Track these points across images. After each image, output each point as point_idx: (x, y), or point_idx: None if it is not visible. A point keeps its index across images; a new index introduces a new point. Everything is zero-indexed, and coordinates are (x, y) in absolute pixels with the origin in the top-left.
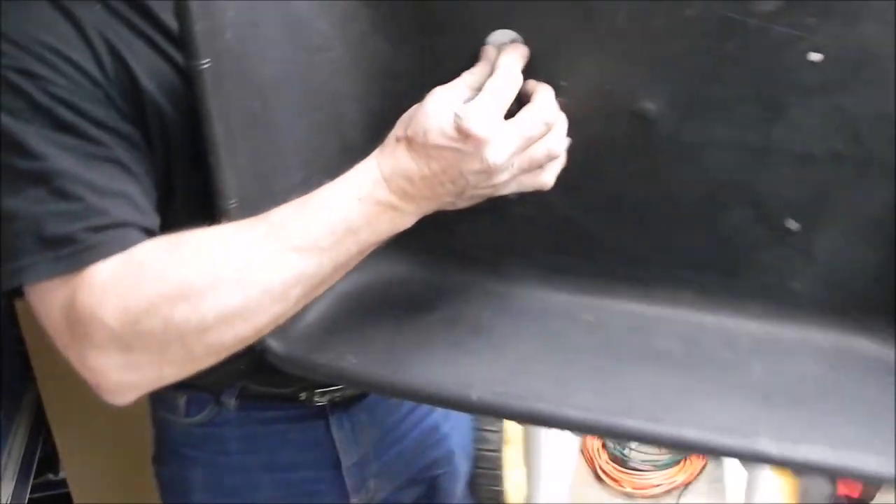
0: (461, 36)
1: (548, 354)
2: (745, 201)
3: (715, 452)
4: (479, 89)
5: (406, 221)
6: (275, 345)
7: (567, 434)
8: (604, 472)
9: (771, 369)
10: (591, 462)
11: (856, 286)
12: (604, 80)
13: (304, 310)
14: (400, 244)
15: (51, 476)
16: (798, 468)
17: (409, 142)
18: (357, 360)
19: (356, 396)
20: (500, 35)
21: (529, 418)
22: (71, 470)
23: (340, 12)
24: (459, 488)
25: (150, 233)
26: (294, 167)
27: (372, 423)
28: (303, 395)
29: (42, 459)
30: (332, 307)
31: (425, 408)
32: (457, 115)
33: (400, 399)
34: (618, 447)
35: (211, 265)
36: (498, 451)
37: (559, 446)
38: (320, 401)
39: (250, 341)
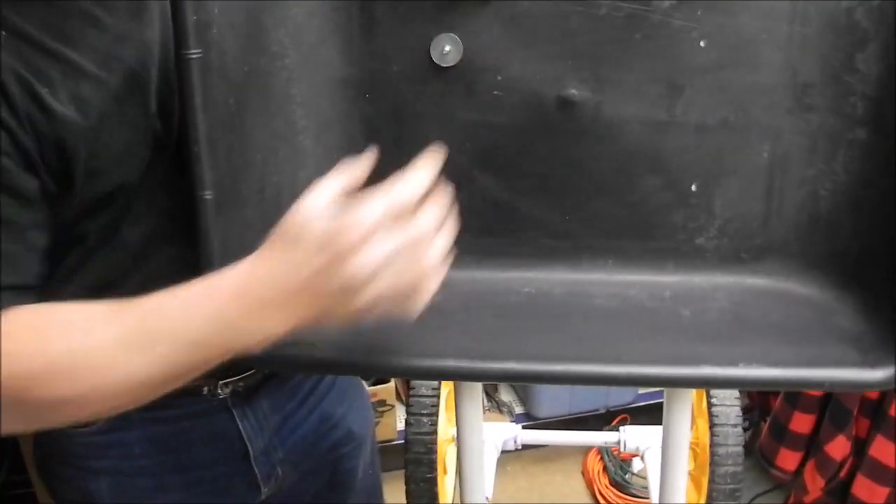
0: (404, 42)
1: (503, 323)
2: (655, 170)
3: (669, 384)
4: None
5: (265, 333)
6: None
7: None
8: (603, 496)
9: (695, 312)
10: (590, 485)
11: (747, 234)
12: (533, 72)
13: None
14: None
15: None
16: (739, 386)
17: (280, 249)
18: (327, 347)
19: (257, 385)
20: (443, 39)
21: (502, 376)
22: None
23: (294, 23)
24: (362, 465)
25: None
26: (255, 170)
27: (273, 410)
28: (205, 389)
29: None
30: None
31: (320, 393)
32: (326, 224)
33: (375, 376)
34: (618, 472)
35: (53, 352)
36: (433, 433)
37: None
38: (222, 392)
39: (100, 416)
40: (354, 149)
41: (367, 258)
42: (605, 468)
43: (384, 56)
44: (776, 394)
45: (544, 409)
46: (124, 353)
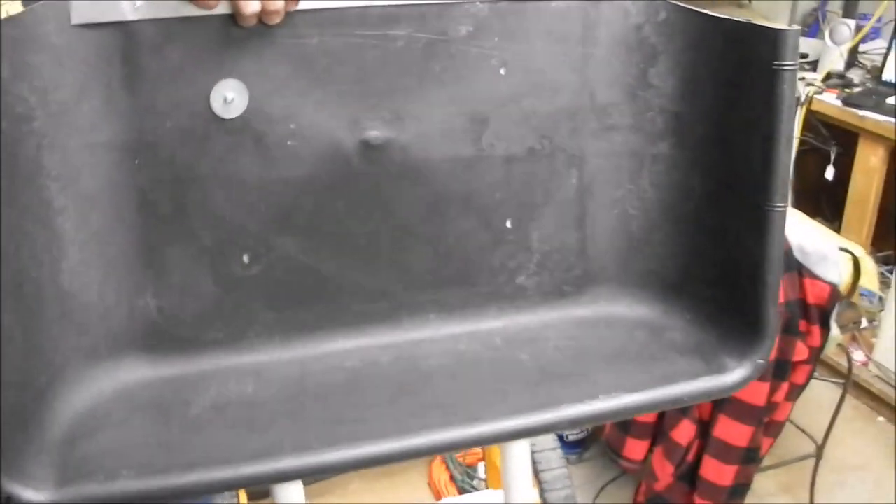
0: (178, 93)
1: (334, 405)
2: (467, 211)
3: (536, 432)
4: None
5: None
6: (28, 495)
7: None
8: None
9: (533, 354)
10: (438, 496)
11: (566, 266)
12: (330, 117)
13: (38, 447)
14: (129, 348)
15: None
16: (606, 419)
17: None
18: (134, 472)
19: None
20: (224, 86)
21: (356, 464)
22: None
23: (39, 76)
24: None
25: None
26: (8, 263)
27: None
28: None
29: None
30: (73, 431)
31: None
32: None
33: (201, 495)
34: (466, 480)
35: None
36: None
37: None
38: None
39: None
40: (126, 228)
41: None
42: (451, 477)
43: (155, 111)
44: None
45: None
46: None
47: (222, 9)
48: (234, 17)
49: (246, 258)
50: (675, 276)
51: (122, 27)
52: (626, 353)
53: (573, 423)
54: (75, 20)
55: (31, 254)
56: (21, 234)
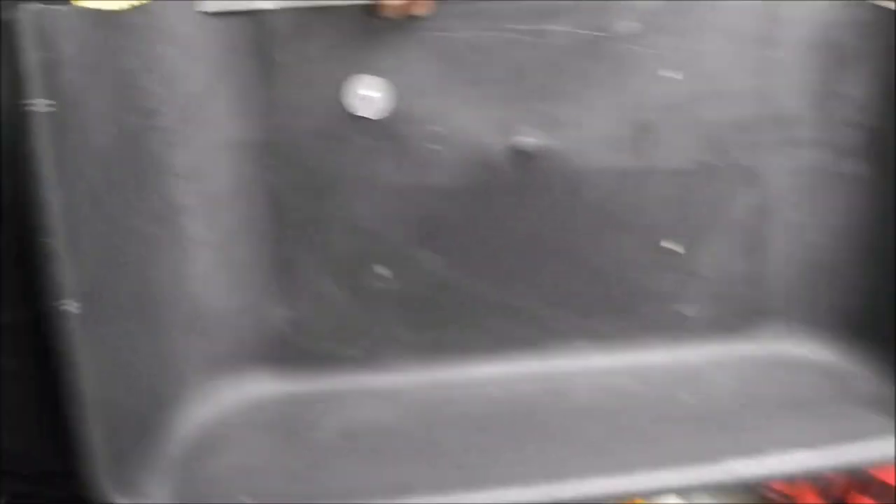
0: (315, 90)
1: (473, 439)
2: (626, 229)
3: (695, 488)
4: None
5: None
6: None
7: None
8: None
9: (696, 394)
10: None
11: (737, 295)
12: (478, 119)
13: (155, 461)
14: (260, 361)
15: None
16: (776, 478)
17: None
18: (254, 500)
19: None
20: (363, 83)
21: None
22: None
23: (168, 68)
24: None
25: None
26: (131, 267)
27: None
28: None
29: None
30: (193, 447)
31: None
32: None
33: None
34: None
35: None
36: None
37: None
38: None
39: None
40: (258, 231)
41: None
42: None
43: (288, 108)
44: None
45: None
46: None
47: None
48: (375, 8)
49: (384, 271)
50: (863, 315)
51: (254, 17)
52: (802, 401)
53: (738, 479)
54: (203, 8)
55: (157, 257)
56: (146, 236)
